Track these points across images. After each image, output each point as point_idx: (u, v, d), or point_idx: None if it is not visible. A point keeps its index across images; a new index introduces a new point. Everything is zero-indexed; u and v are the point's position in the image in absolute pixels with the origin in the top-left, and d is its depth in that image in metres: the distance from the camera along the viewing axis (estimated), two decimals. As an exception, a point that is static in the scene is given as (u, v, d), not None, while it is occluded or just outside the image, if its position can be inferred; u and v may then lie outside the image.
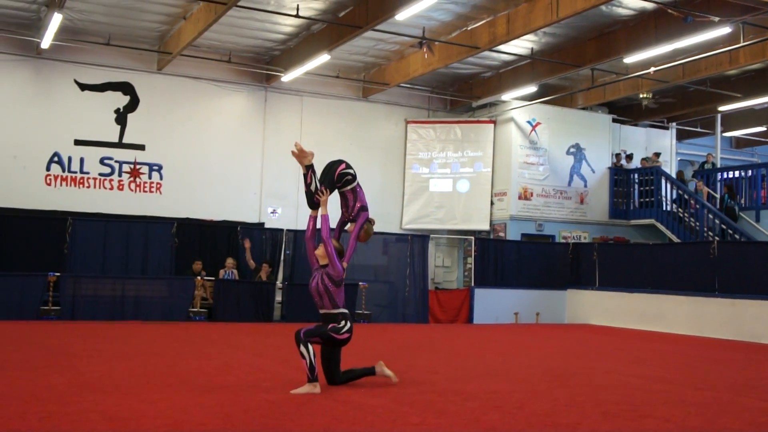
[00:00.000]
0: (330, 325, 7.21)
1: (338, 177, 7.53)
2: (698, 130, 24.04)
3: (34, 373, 7.69)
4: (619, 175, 21.42)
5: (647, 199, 20.75)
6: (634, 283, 17.39)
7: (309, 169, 7.43)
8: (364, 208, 7.64)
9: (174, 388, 7.04)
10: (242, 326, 14.53)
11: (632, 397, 7.45)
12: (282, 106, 19.71)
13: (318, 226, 7.40)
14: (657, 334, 15.87)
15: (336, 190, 7.63)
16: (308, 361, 6.99)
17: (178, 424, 5.49)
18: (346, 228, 7.82)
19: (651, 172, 20.80)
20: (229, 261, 16.23)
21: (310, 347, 7.04)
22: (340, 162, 7.63)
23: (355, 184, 7.64)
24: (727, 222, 18.56)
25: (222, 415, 5.86)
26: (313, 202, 7.43)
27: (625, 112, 22.52)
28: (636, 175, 21.23)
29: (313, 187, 7.41)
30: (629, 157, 21.74)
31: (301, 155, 7.43)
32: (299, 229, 16.84)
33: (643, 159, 21.73)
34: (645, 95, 19.77)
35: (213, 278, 15.86)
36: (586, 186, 21.03)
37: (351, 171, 7.61)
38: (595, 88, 19.62)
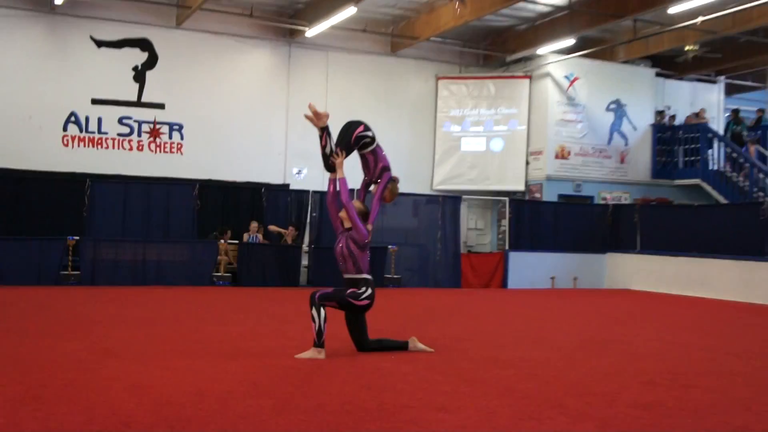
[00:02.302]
0: (349, 290, 7.21)
1: (356, 140, 7.45)
2: (748, 83, 23.57)
3: (54, 339, 7.80)
4: (662, 132, 21.12)
5: (692, 158, 20.46)
6: (677, 246, 17.20)
7: (324, 131, 7.39)
8: (386, 169, 7.58)
9: (198, 354, 7.11)
10: (267, 291, 14.64)
11: (675, 366, 7.41)
12: (306, 62, 19.62)
13: (338, 189, 7.37)
14: (702, 300, 15.74)
15: (356, 152, 7.58)
16: (317, 325, 7.03)
17: (203, 391, 5.53)
18: (370, 189, 7.78)
19: (697, 129, 20.48)
20: (254, 224, 16.27)
21: (323, 311, 7.06)
22: (358, 123, 7.54)
23: (374, 146, 7.55)
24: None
25: (247, 382, 5.90)
26: (329, 165, 7.40)
27: (670, 65, 22.13)
28: (681, 133, 20.91)
29: (328, 150, 7.37)
30: (671, 117, 21.38)
31: (315, 117, 7.38)
32: (326, 191, 16.80)
33: (688, 116, 21.44)
34: (691, 47, 19.38)
35: (237, 242, 15.94)
36: (627, 144, 20.78)
37: (369, 133, 7.52)
38: (638, 41, 19.28)
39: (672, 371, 7.05)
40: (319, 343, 7.05)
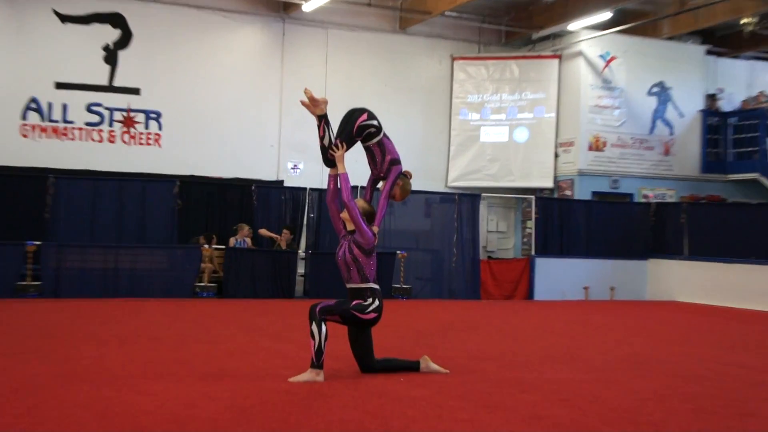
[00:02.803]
0: (354, 302, 7.21)
1: (358, 130, 7.44)
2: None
3: (12, 360, 7.79)
4: (713, 119, 21.04)
5: (749, 149, 20.37)
6: (732, 251, 17.14)
7: (322, 119, 7.38)
8: (395, 162, 7.57)
9: (177, 377, 7.09)
10: (258, 303, 14.63)
11: (731, 390, 7.36)
12: (303, 40, 19.62)
13: (339, 186, 7.36)
14: (761, 314, 15.68)
15: (359, 145, 7.57)
16: (317, 343, 7.02)
17: (183, 419, 5.52)
18: (378, 186, 7.78)
19: (754, 115, 20.39)
20: (245, 228, 16.21)
21: (324, 327, 7.05)
22: (361, 111, 7.53)
23: (380, 136, 7.55)
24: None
25: (234, 408, 5.88)
26: (329, 159, 7.39)
27: (723, 41, 22.05)
28: (735, 119, 20.83)
29: (326, 141, 7.36)
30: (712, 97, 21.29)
31: (312, 104, 7.36)
32: (325, 188, 16.81)
33: (744, 100, 21.35)
34: (749, 20, 19.27)
35: (223, 247, 15.93)
36: (672, 133, 20.73)
37: (374, 122, 7.51)
38: (685, 13, 19.23)
39: (728, 397, 7.01)
40: (317, 364, 7.04)
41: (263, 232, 16.39)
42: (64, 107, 17.70)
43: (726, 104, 21.54)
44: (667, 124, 20.71)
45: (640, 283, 18.69)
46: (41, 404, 5.88)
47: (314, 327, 7.06)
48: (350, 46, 20.06)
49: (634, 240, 18.80)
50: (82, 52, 17.83)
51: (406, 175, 7.67)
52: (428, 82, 20.87)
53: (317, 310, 7.12)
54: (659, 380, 7.72)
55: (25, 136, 17.44)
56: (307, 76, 18.99)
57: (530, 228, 18.88)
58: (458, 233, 17.44)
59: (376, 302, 7.26)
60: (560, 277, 17.88)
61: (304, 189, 17.21)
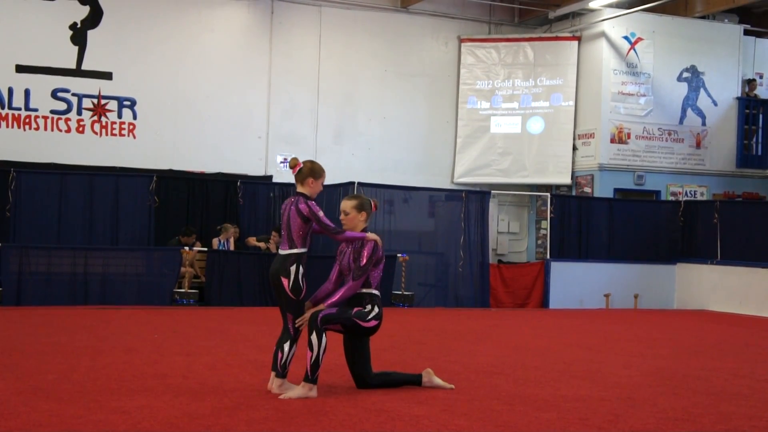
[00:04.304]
0: (354, 309, 7.29)
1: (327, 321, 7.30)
2: None
3: (-28, 373, 7.81)
4: (751, 107, 21.03)
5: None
6: (769, 255, 17.19)
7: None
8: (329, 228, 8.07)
9: (154, 393, 7.11)
10: (244, 312, 14.63)
11: None
12: (294, 19, 19.60)
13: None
14: (800, 323, 15.71)
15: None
16: (314, 355, 7.08)
17: (159, 439, 5.54)
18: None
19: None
20: (231, 228, 16.19)
21: (324, 338, 7.12)
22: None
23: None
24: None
25: (218, 427, 5.91)
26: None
27: (763, 20, 22.00)
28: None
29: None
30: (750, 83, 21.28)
31: None
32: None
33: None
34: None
35: (206, 249, 15.94)
36: (704, 124, 20.73)
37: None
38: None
39: (764, 416, 7.03)
40: (311, 378, 7.08)
41: (251, 241, 16.40)
42: (27, 93, 17.68)
43: (765, 91, 21.53)
44: (699, 113, 20.71)
45: (668, 290, 18.70)
46: (2, 424, 5.89)
47: (314, 337, 7.10)
48: (346, 26, 20.04)
49: (660, 242, 18.82)
50: (46, 32, 17.80)
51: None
52: (433, 67, 20.86)
53: (319, 318, 7.18)
54: (688, 398, 7.74)
55: (-17, 125, 17.49)
56: (299, 60, 19.03)
57: (545, 229, 18.89)
58: (465, 234, 17.43)
59: (376, 309, 7.35)
60: (578, 284, 17.91)
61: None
